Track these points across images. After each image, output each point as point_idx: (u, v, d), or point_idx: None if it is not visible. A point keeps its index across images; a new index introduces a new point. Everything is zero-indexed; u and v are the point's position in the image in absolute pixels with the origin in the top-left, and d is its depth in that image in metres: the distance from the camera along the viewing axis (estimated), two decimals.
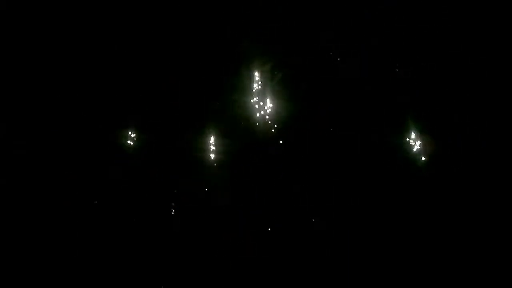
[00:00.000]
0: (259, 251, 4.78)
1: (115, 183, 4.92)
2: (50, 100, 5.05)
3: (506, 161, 4.71)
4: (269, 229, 4.82)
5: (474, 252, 4.53)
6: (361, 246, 4.71)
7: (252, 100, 5.11)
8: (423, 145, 4.89)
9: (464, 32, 4.97)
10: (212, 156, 5.04)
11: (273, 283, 4.71)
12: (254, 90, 5.13)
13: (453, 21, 5.00)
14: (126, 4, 5.19)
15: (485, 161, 4.75)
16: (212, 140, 5.08)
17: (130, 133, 5.08)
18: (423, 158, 4.87)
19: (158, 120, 5.11)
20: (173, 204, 4.96)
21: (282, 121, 5.05)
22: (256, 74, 5.15)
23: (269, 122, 5.07)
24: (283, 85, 5.13)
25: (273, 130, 5.05)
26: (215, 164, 5.02)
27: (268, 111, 5.08)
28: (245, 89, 5.13)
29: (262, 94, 5.12)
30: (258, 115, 5.08)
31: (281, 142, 5.02)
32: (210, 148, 5.05)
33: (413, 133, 4.92)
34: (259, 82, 5.13)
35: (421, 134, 4.91)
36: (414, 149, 4.90)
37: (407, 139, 4.92)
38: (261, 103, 5.10)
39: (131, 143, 5.08)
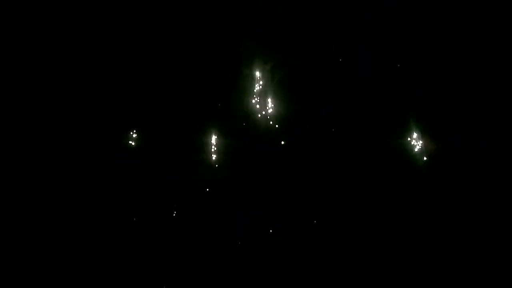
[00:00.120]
0: (259, 251, 4.78)
1: (115, 183, 4.92)
2: (50, 100, 5.05)
3: (506, 161, 4.71)
4: (270, 229, 4.82)
5: (475, 252, 4.53)
6: (361, 246, 4.70)
7: (253, 100, 5.11)
8: (423, 145, 4.89)
9: (464, 32, 4.97)
10: (213, 156, 5.04)
11: (273, 283, 4.71)
12: (255, 90, 5.13)
13: (453, 21, 4.99)
14: (127, 4, 5.19)
15: (485, 161, 4.75)
16: (212, 140, 5.07)
17: (130, 133, 5.08)
18: (423, 158, 4.87)
19: (159, 120, 5.11)
20: (173, 204, 4.95)
21: (283, 121, 5.05)
22: (257, 74, 5.15)
23: (270, 122, 5.07)
24: (283, 85, 5.13)
25: (274, 130, 5.05)
26: (216, 164, 5.02)
27: (269, 111, 5.08)
28: (246, 89, 5.13)
29: (263, 94, 5.12)
30: (259, 115, 5.08)
31: (282, 142, 5.02)
32: (211, 148, 5.05)
33: (413, 133, 4.92)
34: (260, 82, 5.13)
35: (421, 134, 4.91)
36: (414, 149, 4.90)
37: (407, 139, 4.92)
38: (262, 103, 5.10)
39: (132, 143, 5.08)
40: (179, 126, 5.11)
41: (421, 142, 4.89)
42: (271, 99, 5.10)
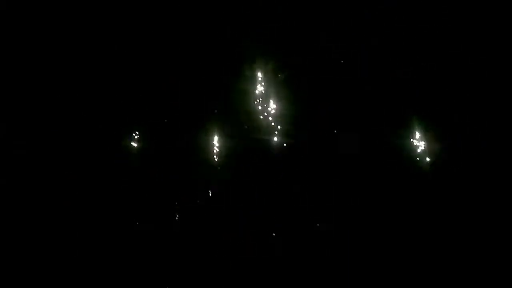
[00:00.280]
0: (260, 251, 4.78)
1: (116, 183, 4.92)
2: (50, 100, 5.05)
3: (506, 161, 4.71)
4: (270, 230, 4.82)
5: (476, 252, 4.53)
6: (363, 247, 4.70)
7: (254, 101, 5.11)
8: (423, 145, 4.89)
9: (464, 32, 4.97)
10: (214, 156, 5.04)
11: (273, 284, 4.71)
12: (255, 91, 5.13)
13: (453, 21, 5.00)
14: (127, 4, 5.19)
15: (485, 161, 4.75)
16: (213, 140, 5.07)
17: (131, 133, 5.08)
18: (423, 158, 4.87)
19: (159, 120, 5.11)
20: (174, 204, 4.95)
21: (284, 122, 5.05)
22: (258, 74, 5.15)
23: (272, 123, 5.07)
24: (284, 85, 5.13)
25: (275, 131, 5.05)
26: (217, 165, 5.02)
27: (270, 111, 5.08)
28: (247, 90, 5.13)
29: (263, 95, 5.12)
30: (259, 115, 5.08)
31: (283, 143, 5.02)
32: (212, 148, 5.05)
33: (413, 133, 4.92)
34: (261, 83, 5.13)
35: (422, 134, 4.91)
36: (415, 149, 4.90)
37: (407, 139, 4.92)
38: (263, 104, 5.10)
39: (132, 144, 5.08)
40: (180, 126, 5.11)
41: (421, 142, 4.90)
42: (272, 99, 5.10)
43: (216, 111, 5.13)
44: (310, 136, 5.02)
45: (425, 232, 4.69)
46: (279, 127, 5.06)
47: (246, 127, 5.10)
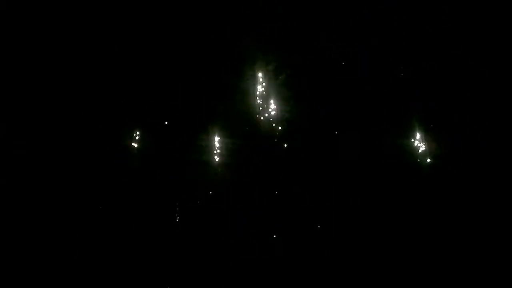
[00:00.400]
0: (260, 251, 4.78)
1: (116, 183, 4.92)
2: (51, 100, 5.04)
3: (506, 161, 4.71)
4: (270, 230, 4.82)
5: (476, 252, 4.54)
6: (363, 247, 4.70)
7: (254, 101, 5.11)
8: (423, 145, 4.89)
9: (464, 32, 4.97)
10: (215, 157, 5.03)
11: (273, 284, 4.71)
12: (256, 91, 5.13)
13: (453, 21, 5.00)
14: (127, 4, 5.19)
15: (485, 161, 4.75)
16: (214, 141, 5.07)
17: (131, 133, 5.08)
18: (423, 158, 4.87)
19: (160, 120, 5.11)
20: (174, 204, 4.95)
21: (284, 122, 5.06)
22: (258, 74, 5.15)
23: (272, 123, 5.07)
24: (284, 85, 5.13)
25: (275, 131, 5.05)
26: (218, 165, 5.02)
27: (270, 111, 5.08)
28: (247, 90, 5.13)
29: (264, 95, 5.12)
30: (260, 115, 5.08)
31: (284, 143, 5.02)
32: (213, 149, 5.05)
33: (413, 133, 4.92)
34: (262, 83, 5.13)
35: (422, 134, 4.91)
36: (415, 149, 4.90)
37: (407, 139, 4.92)
38: (264, 104, 5.10)
39: (133, 144, 5.07)
40: (180, 127, 5.11)
41: (421, 142, 4.90)
42: (273, 99, 5.10)
43: (216, 111, 5.13)
44: (310, 136, 5.02)
45: (425, 231, 4.69)
46: (279, 127, 5.06)
47: (246, 127, 5.10)
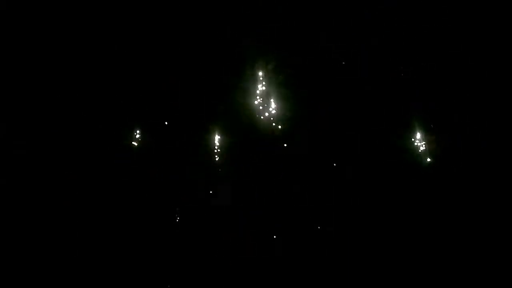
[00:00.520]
0: (260, 251, 4.78)
1: (116, 183, 4.91)
2: (50, 100, 5.04)
3: (506, 161, 4.71)
4: (270, 230, 4.82)
5: (476, 252, 4.54)
6: (363, 247, 4.70)
7: (254, 101, 5.11)
8: (423, 145, 4.89)
9: (464, 32, 4.97)
10: (215, 156, 5.04)
11: (273, 284, 4.71)
12: (256, 91, 5.13)
13: (453, 21, 5.00)
14: (127, 4, 5.19)
15: (485, 161, 4.75)
16: (215, 140, 5.07)
17: (131, 133, 5.08)
18: (423, 158, 4.87)
19: (160, 120, 5.11)
20: (174, 204, 4.95)
21: (285, 121, 5.06)
22: (258, 74, 5.15)
23: (272, 123, 5.07)
24: (284, 86, 5.13)
25: (275, 131, 5.05)
26: (218, 165, 5.02)
27: (270, 111, 5.08)
28: (247, 90, 5.13)
29: (264, 95, 5.12)
30: (260, 115, 5.08)
31: (284, 143, 5.02)
32: (213, 148, 5.05)
33: (413, 133, 4.92)
34: (262, 83, 5.13)
35: (422, 134, 4.91)
36: (415, 149, 4.90)
37: (408, 139, 4.93)
38: (264, 104, 5.10)
39: (132, 144, 5.07)
40: (180, 126, 5.11)
41: (421, 142, 4.90)
42: (273, 99, 5.10)
43: (216, 111, 5.13)
44: (310, 136, 5.02)
45: (426, 232, 4.69)
46: (279, 127, 5.06)
47: (246, 127, 5.09)
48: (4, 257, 4.65)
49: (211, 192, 4.96)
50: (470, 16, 4.97)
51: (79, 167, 4.92)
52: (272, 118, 5.08)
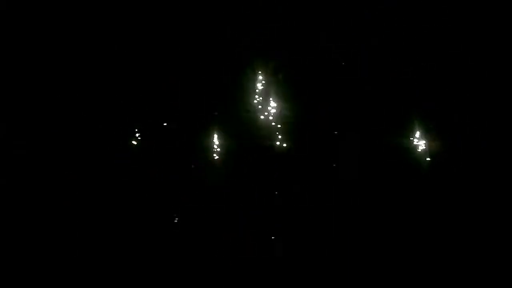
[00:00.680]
0: (260, 251, 4.78)
1: (116, 183, 4.92)
2: (50, 100, 5.04)
3: (506, 161, 4.71)
4: (270, 230, 4.82)
5: (476, 252, 4.54)
6: (363, 247, 4.70)
7: (254, 101, 5.11)
8: (423, 145, 4.89)
9: (464, 32, 4.97)
10: (214, 156, 5.04)
11: (273, 284, 4.71)
12: (256, 91, 5.13)
13: (453, 21, 5.00)
14: (127, 4, 5.19)
15: (485, 161, 4.75)
16: (214, 140, 5.07)
17: (131, 133, 5.08)
18: (423, 159, 4.87)
19: (159, 120, 5.11)
20: (173, 204, 4.95)
21: (284, 121, 5.06)
22: (258, 74, 5.15)
23: (272, 123, 5.07)
24: (284, 86, 5.13)
25: (275, 130, 5.05)
26: (217, 164, 5.02)
27: (270, 111, 5.08)
28: (247, 90, 5.13)
29: (264, 95, 5.12)
30: (259, 115, 5.08)
31: (283, 143, 5.02)
32: (212, 148, 5.05)
33: (413, 133, 4.92)
34: (262, 83, 5.13)
35: (422, 134, 4.91)
36: (415, 149, 4.90)
37: (408, 139, 4.93)
38: (263, 104, 5.10)
39: (132, 143, 5.07)
40: (180, 126, 5.11)
41: (421, 142, 4.90)
42: (272, 99, 5.10)
43: (216, 111, 5.13)
44: (310, 136, 5.02)
45: (425, 232, 4.69)
46: (279, 127, 5.06)
47: (246, 127, 5.09)
48: (4, 257, 4.65)
49: (210, 192, 4.95)
50: (470, 16, 4.97)
51: (79, 167, 4.93)
52: (272, 118, 5.08)
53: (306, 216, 4.85)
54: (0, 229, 4.73)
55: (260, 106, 5.10)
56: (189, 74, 5.18)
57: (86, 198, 4.87)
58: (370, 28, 5.09)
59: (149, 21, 5.20)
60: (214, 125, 5.10)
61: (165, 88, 5.14)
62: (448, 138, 4.88)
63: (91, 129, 5.01)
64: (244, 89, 5.15)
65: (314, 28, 5.16)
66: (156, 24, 5.21)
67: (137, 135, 5.09)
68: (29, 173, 4.87)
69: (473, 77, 4.90)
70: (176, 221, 4.92)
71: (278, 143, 5.04)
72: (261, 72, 5.15)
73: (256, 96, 5.12)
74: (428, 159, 4.86)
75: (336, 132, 4.99)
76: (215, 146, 5.06)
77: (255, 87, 5.14)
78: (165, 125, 5.11)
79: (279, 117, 5.08)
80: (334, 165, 4.93)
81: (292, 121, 5.07)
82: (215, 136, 5.08)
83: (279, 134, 5.05)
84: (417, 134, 4.92)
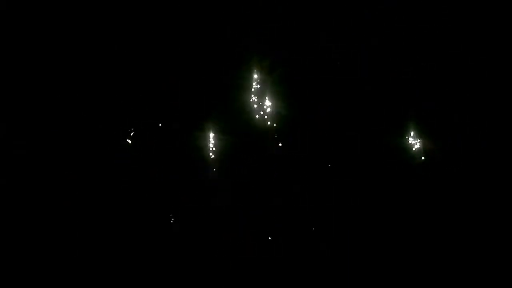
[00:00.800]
0: (259, 251, 4.78)
1: (115, 183, 4.92)
2: (50, 100, 5.04)
3: (506, 161, 4.71)
4: (270, 230, 4.82)
5: (475, 252, 4.54)
6: (361, 246, 4.71)
7: (251, 100, 5.11)
8: (423, 145, 4.89)
9: (464, 32, 4.97)
10: (211, 155, 5.04)
11: (273, 284, 4.71)
12: (254, 90, 5.13)
13: (453, 21, 4.99)
14: (126, 4, 5.19)
15: (485, 161, 4.75)
16: (211, 139, 5.07)
17: (130, 133, 5.08)
18: (423, 159, 4.87)
19: (157, 119, 5.11)
20: (172, 204, 4.95)
21: (282, 121, 5.05)
22: (258, 74, 5.15)
23: (269, 122, 5.07)
24: (283, 85, 5.13)
25: (273, 130, 5.05)
26: (215, 164, 5.02)
27: (267, 110, 5.08)
28: (245, 89, 5.13)
29: (261, 94, 5.12)
30: (257, 115, 5.08)
31: (280, 142, 5.02)
32: (209, 147, 5.05)
33: (413, 133, 4.92)
34: (262, 83, 5.13)
35: (421, 134, 4.91)
36: (414, 149, 4.90)
37: (407, 139, 4.93)
38: (261, 103, 5.10)
39: (131, 143, 5.07)
40: (179, 126, 5.11)
41: (421, 142, 4.90)
42: (270, 98, 5.10)
43: (215, 111, 5.13)
44: (309, 136, 5.02)
45: (425, 232, 4.69)
46: (279, 127, 5.06)
47: (246, 127, 5.09)
48: (4, 257, 4.66)
49: (210, 192, 4.95)
50: (470, 16, 4.97)
51: (79, 167, 4.93)
52: (272, 118, 5.08)
53: (306, 216, 4.85)
54: (0, 228, 4.74)
55: (260, 106, 5.10)
56: (189, 74, 5.18)
57: (86, 198, 4.87)
58: (370, 28, 5.09)
59: (149, 21, 5.20)
60: (214, 125, 5.10)
61: (165, 88, 5.15)
62: (448, 138, 4.88)
63: (91, 129, 5.02)
64: (244, 89, 5.15)
65: (314, 28, 5.16)
66: (155, 24, 5.21)
67: (137, 135, 5.09)
68: (29, 173, 4.87)
69: (473, 77, 4.90)
70: (176, 221, 4.92)
71: (278, 143, 5.04)
72: (261, 72, 5.15)
73: (256, 96, 5.12)
74: (428, 159, 4.86)
75: (335, 132, 4.99)
76: (215, 146, 5.06)
77: (255, 87, 5.14)
78: (164, 125, 5.11)
79: (279, 117, 5.08)
80: (334, 165, 4.93)
81: (292, 121, 5.06)
82: (215, 136, 5.08)
83: (279, 134, 5.05)
84: (417, 134, 4.92)
